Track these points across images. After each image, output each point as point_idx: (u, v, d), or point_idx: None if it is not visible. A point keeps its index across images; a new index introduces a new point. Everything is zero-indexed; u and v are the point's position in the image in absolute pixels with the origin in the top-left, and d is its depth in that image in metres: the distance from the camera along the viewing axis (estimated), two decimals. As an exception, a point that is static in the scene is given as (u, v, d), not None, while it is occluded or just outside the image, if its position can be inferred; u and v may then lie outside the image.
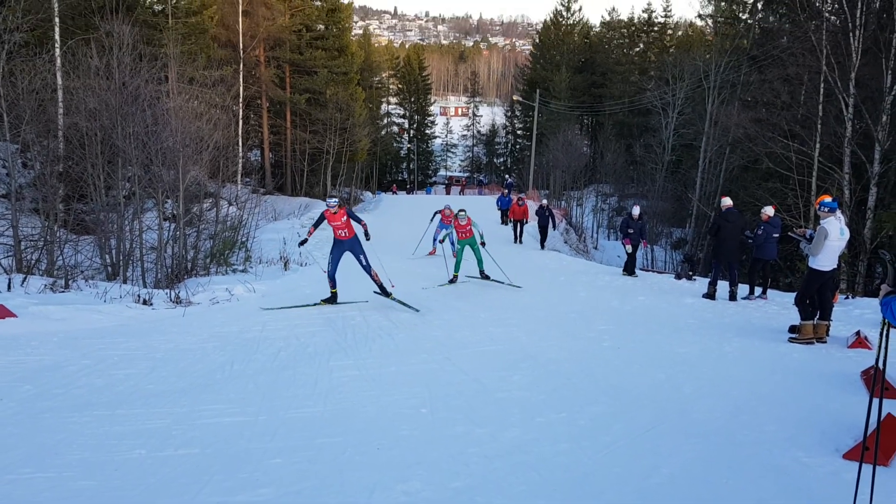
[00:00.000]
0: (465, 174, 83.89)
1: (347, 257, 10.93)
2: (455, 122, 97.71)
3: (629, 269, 15.72)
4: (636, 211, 15.77)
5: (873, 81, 20.50)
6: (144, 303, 10.66)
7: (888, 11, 20.83)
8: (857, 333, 8.49)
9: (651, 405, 6.07)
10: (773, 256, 12.61)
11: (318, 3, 38.75)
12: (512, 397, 6.30)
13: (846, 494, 3.91)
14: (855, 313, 10.52)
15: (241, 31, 32.10)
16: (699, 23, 49.93)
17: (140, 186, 15.09)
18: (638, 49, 60.03)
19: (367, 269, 10.91)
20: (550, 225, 22.30)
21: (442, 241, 15.44)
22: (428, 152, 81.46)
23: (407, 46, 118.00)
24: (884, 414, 4.32)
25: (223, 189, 20.73)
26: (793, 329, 9.02)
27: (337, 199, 10.89)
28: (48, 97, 15.07)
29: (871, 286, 19.21)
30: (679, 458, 4.87)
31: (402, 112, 78.50)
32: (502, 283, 13.46)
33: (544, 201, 23.80)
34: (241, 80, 31.22)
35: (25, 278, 10.82)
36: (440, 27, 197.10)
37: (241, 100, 30.91)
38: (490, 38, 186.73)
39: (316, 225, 11.17)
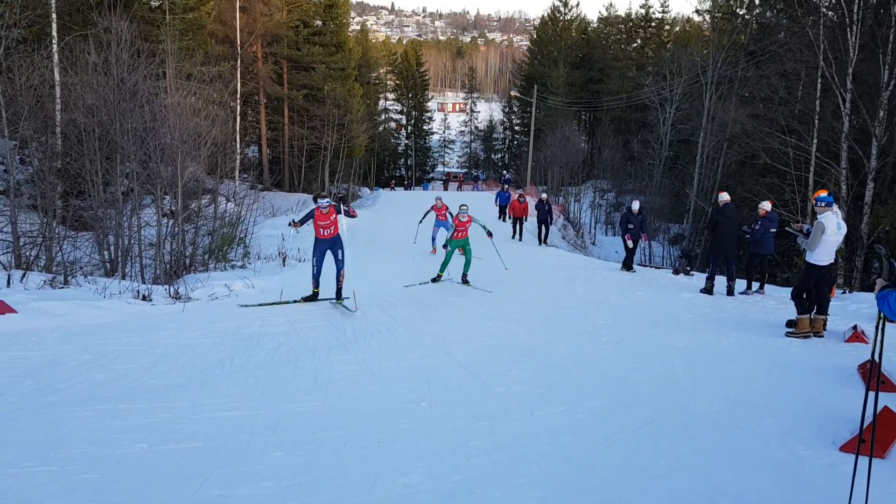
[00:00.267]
0: (463, 170, 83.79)
1: (329, 256, 10.80)
2: (453, 118, 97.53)
3: (628, 264, 15.75)
4: (636, 205, 15.77)
5: (870, 77, 20.54)
6: (144, 299, 10.68)
7: (885, 7, 20.84)
8: (854, 328, 8.53)
9: (650, 399, 6.10)
10: (771, 251, 12.63)
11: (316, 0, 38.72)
12: (511, 391, 6.34)
13: (843, 486, 3.94)
14: (852, 308, 10.56)
15: (238, 27, 32.08)
16: (696, 18, 50.10)
17: (138, 183, 15.08)
18: (635, 45, 59.96)
19: (340, 265, 10.72)
20: (549, 220, 22.22)
21: (445, 246, 15.14)
22: (426, 148, 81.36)
23: (404, 42, 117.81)
24: (880, 407, 4.36)
25: (221, 185, 20.71)
26: (790, 323, 9.05)
27: (329, 200, 10.68)
28: (46, 93, 15.06)
29: (868, 281, 19.27)
30: (678, 452, 4.90)
31: (399, 108, 78.39)
32: (479, 289, 12.64)
33: (544, 195, 23.41)
34: (238, 76, 31.20)
35: (25, 274, 10.83)
36: (437, 23, 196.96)
37: (238, 96, 30.89)
38: (487, 34, 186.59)
39: (303, 221, 10.92)
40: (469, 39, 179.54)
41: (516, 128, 71.35)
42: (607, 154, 45.54)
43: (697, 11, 43.37)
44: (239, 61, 31.73)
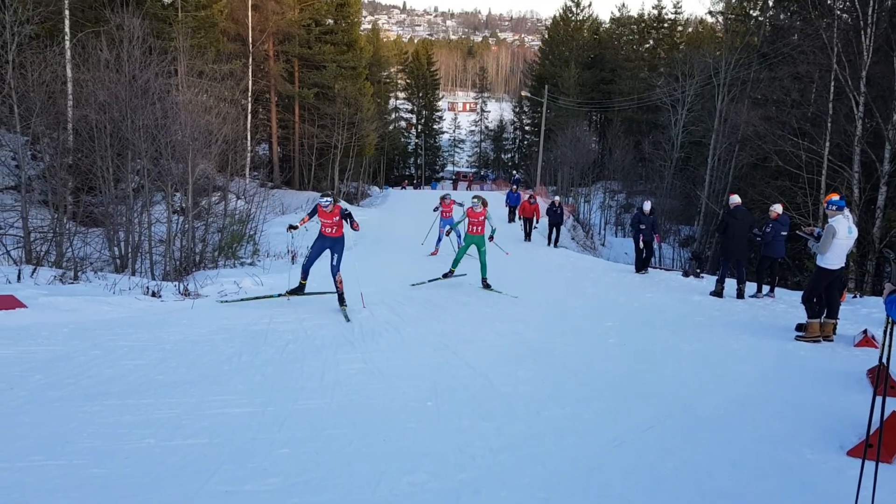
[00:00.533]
0: (473, 170, 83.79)
1: (326, 256, 10.47)
2: (463, 117, 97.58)
3: (638, 265, 15.63)
4: (647, 206, 15.70)
5: (884, 80, 20.39)
6: (153, 295, 10.72)
7: (900, 10, 20.72)
8: (865, 332, 8.48)
9: (656, 401, 6.09)
10: (782, 254, 12.59)
11: (328, -2, 38.80)
12: (517, 392, 6.34)
13: (849, 491, 3.93)
14: (862, 312, 10.51)
15: (250, 25, 32.16)
16: (709, 19, 49.89)
17: (149, 179, 15.15)
18: (648, 45, 59.75)
19: (335, 270, 10.22)
20: (560, 222, 22.05)
21: (448, 234, 14.90)
22: (435, 147, 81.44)
23: (415, 41, 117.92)
24: (888, 412, 4.34)
25: (231, 183, 20.79)
26: (799, 327, 9.02)
27: (331, 199, 10.24)
28: (58, 89, 15.13)
29: (879, 285, 19.14)
30: (684, 453, 4.89)
31: (410, 107, 78.48)
32: (501, 293, 12.10)
33: (557, 198, 23.17)
34: (249, 74, 31.29)
35: (35, 270, 10.89)
36: (449, 22, 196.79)
37: (249, 94, 30.99)
38: (499, 34, 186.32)
39: (310, 215, 10.66)
40: (480, 39, 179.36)
41: (527, 128, 71.27)
42: (618, 155, 45.41)
43: (710, 13, 43.31)
44: (250, 59, 31.82)
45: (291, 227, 10.71)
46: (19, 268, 10.78)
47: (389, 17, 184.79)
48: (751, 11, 39.70)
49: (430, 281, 12.76)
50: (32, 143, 15.34)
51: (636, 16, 61.32)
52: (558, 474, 4.57)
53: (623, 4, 76.27)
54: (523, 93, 64.90)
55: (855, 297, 12.61)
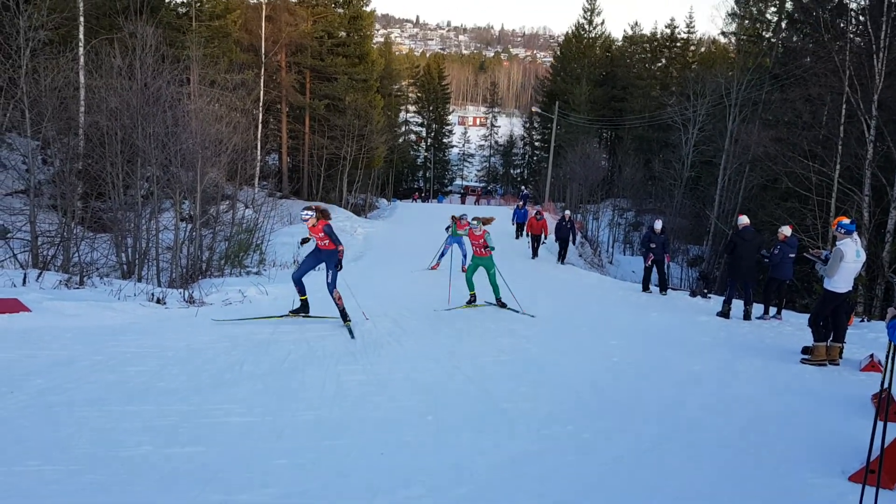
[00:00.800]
0: (482, 184, 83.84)
1: (321, 270, 10.07)
2: (473, 131, 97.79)
3: (661, 285, 15.45)
4: (658, 225, 15.58)
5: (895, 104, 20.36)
6: (158, 301, 10.73)
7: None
8: (871, 357, 8.41)
9: (658, 421, 6.04)
10: (790, 277, 12.52)
11: (341, 11, 39.06)
12: (518, 408, 6.29)
13: (851, 517, 3.88)
14: (869, 336, 10.40)
15: (263, 35, 32.40)
16: (722, 40, 49.77)
17: (158, 186, 15.22)
18: (660, 64, 59.71)
19: (331, 287, 9.65)
20: (570, 239, 21.88)
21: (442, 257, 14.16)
22: (444, 161, 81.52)
23: (427, 55, 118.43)
24: (890, 437, 4.28)
25: (240, 191, 20.87)
26: (806, 350, 8.95)
27: (312, 213, 9.63)
28: (70, 95, 15.24)
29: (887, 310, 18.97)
30: (684, 476, 4.84)
31: (420, 120, 78.67)
32: (517, 311, 11.62)
33: (567, 212, 22.97)
34: (261, 84, 31.49)
35: (41, 274, 10.92)
36: (461, 37, 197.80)
37: (261, 104, 31.16)
38: (511, 49, 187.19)
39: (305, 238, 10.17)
40: (492, 54, 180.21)
41: (536, 143, 71.30)
42: (628, 173, 45.33)
43: (723, 33, 43.08)
44: (263, 70, 32.02)
45: (305, 241, 10.24)
46: (25, 271, 10.82)
47: (402, 31, 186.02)
48: (763, 33, 39.77)
49: (449, 309, 11.70)
50: (43, 148, 15.45)
51: (649, 34, 61.34)
52: (556, 492, 4.52)
53: (636, 23, 76.21)
54: (534, 108, 64.95)
55: (862, 321, 12.50)
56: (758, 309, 12.56)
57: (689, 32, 58.92)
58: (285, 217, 24.97)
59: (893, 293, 19.21)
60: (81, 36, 17.90)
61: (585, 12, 60.62)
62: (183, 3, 28.66)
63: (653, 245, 15.26)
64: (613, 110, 56.18)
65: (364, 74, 38.89)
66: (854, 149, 21.40)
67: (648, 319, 12.02)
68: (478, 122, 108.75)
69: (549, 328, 10.63)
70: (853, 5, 23.84)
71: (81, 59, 17.10)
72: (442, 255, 17.08)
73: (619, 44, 63.84)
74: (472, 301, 12.16)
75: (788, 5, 36.09)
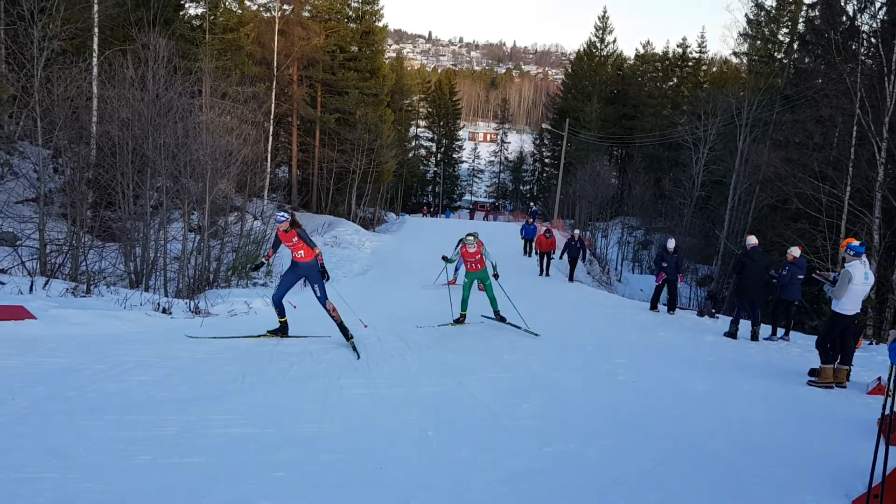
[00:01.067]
0: (491, 200, 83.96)
1: (305, 287, 9.70)
2: (483, 147, 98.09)
3: (670, 304, 15.37)
4: (671, 244, 15.51)
5: (907, 127, 20.29)
6: (164, 311, 10.76)
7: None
8: (879, 380, 8.32)
9: (662, 441, 5.97)
10: (798, 298, 12.45)
11: (354, 26, 39.33)
12: (520, 425, 6.24)
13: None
14: (878, 359, 10.30)
15: (276, 49, 32.63)
16: (734, 60, 49.78)
17: (168, 197, 15.30)
18: (671, 83, 59.82)
19: (322, 300, 9.24)
20: (580, 257, 21.74)
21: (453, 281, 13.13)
22: (454, 176, 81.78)
23: (439, 71, 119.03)
24: (893, 461, 4.22)
25: (249, 203, 20.95)
26: (812, 372, 8.87)
27: (287, 215, 9.10)
28: (82, 105, 15.38)
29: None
30: (686, 496, 4.78)
31: (430, 135, 78.99)
32: (519, 328, 11.30)
33: (577, 231, 22.87)
34: (273, 97, 31.68)
35: (48, 281, 10.96)
36: (473, 53, 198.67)
37: (272, 116, 31.34)
38: (523, 66, 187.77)
39: (274, 247, 9.66)
40: (504, 71, 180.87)
41: (546, 160, 71.35)
42: (638, 191, 45.34)
43: (735, 53, 43.03)
44: (274, 83, 32.22)
45: (257, 267, 9.98)
46: (32, 279, 10.86)
47: (415, 47, 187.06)
48: (775, 53, 39.77)
49: (439, 326, 11.62)
50: (54, 157, 15.56)
51: (660, 53, 61.52)
52: (556, 512, 4.47)
53: (648, 42, 76.40)
54: (544, 125, 65.08)
55: (871, 343, 12.40)
56: (765, 330, 12.49)
57: (700, 52, 59.00)
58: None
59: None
60: (96, 47, 18.07)
61: (597, 30, 60.91)
62: (197, 15, 28.93)
63: (664, 264, 15.20)
64: (624, 128, 56.24)
65: (375, 89, 39.09)
66: (865, 171, 21.32)
67: (655, 338, 11.96)
68: (488, 137, 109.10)
69: (554, 345, 10.57)
70: (865, 27, 23.86)
71: (95, 70, 17.25)
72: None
73: (631, 62, 64.00)
74: (460, 321, 11.71)
75: (800, 26, 36.14)
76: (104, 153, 15.31)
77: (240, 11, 32.72)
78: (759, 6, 39.85)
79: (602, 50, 61.15)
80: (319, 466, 4.98)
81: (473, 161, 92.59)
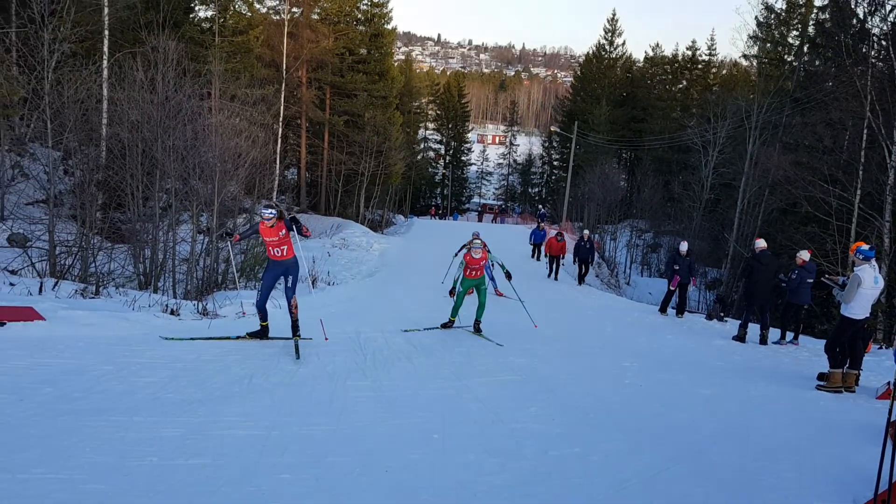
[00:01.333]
0: (499, 202, 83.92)
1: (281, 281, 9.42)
2: (492, 150, 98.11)
3: (679, 308, 15.32)
4: (684, 247, 15.40)
5: (918, 130, 20.17)
6: (172, 313, 10.78)
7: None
8: (888, 384, 8.28)
9: (668, 445, 5.95)
10: (808, 302, 12.39)
11: (363, 28, 39.39)
12: (526, 429, 6.23)
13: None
14: (887, 364, 10.26)
15: (285, 51, 32.72)
16: (743, 63, 49.61)
17: (177, 199, 15.35)
18: (680, 86, 59.60)
19: (290, 292, 9.14)
20: (590, 259, 21.49)
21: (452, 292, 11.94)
22: (463, 179, 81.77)
23: (448, 73, 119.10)
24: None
25: (258, 205, 20.99)
26: (821, 376, 8.83)
27: (274, 211, 8.79)
28: (92, 107, 15.45)
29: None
30: (693, 501, 4.76)
31: (439, 138, 79.04)
32: (490, 340, 10.65)
33: (586, 232, 22.40)
34: (282, 99, 31.76)
35: (57, 283, 11.01)
36: (482, 56, 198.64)
37: (281, 119, 31.42)
38: (532, 69, 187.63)
39: (244, 235, 9.79)
40: (513, 73, 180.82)
41: (555, 163, 71.22)
42: (646, 194, 45.21)
43: (745, 56, 42.82)
44: (283, 85, 32.31)
45: (227, 234, 9.94)
46: (42, 280, 10.91)
47: (424, 49, 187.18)
48: (785, 56, 39.63)
49: (425, 329, 11.27)
50: (64, 159, 15.64)
51: (670, 56, 61.27)
52: (561, 516, 4.46)
53: (657, 44, 75.98)
54: (553, 128, 65.01)
55: (881, 348, 12.33)
56: (774, 334, 12.43)
57: (710, 55, 58.78)
58: (302, 231, 25.04)
59: None
60: (106, 49, 18.16)
61: (606, 33, 60.88)
62: (206, 18, 29.04)
63: (676, 267, 15.12)
64: (633, 131, 56.11)
65: (384, 91, 39.15)
66: (875, 174, 21.19)
67: (663, 342, 11.93)
68: (497, 140, 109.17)
69: (562, 348, 10.56)
70: (875, 30, 23.72)
71: (105, 73, 17.34)
72: (492, 278, 16.30)
73: (640, 65, 63.85)
74: (447, 325, 11.42)
75: (810, 29, 35.98)
76: (114, 155, 15.37)
77: (249, 14, 32.82)
78: (769, 9, 39.75)
79: (611, 52, 61.08)
80: (325, 469, 4.98)
81: (482, 163, 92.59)
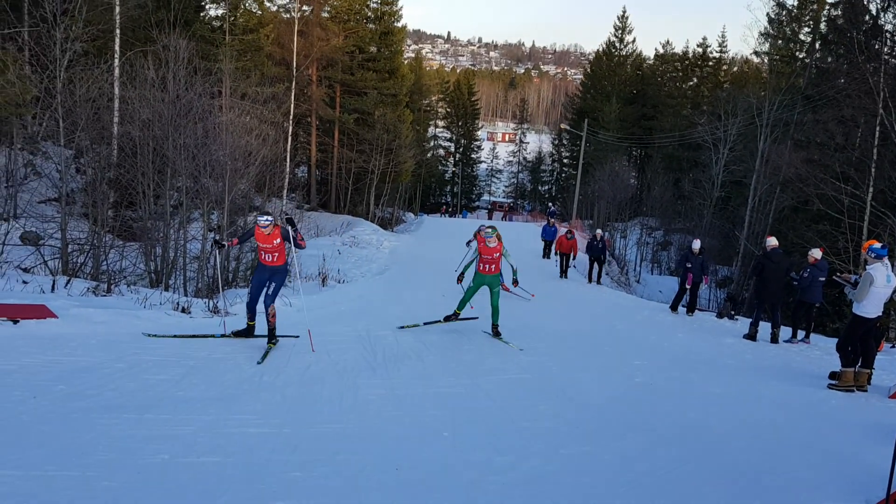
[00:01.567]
0: (509, 200, 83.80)
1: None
2: (501, 147, 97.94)
3: (690, 308, 15.26)
4: (697, 245, 15.29)
5: (931, 126, 20.03)
6: (183, 311, 10.84)
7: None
8: (901, 383, 8.23)
9: (679, 444, 5.94)
10: (819, 300, 12.31)
11: (373, 27, 39.39)
12: (536, 427, 6.23)
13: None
14: (900, 363, 10.19)
15: (295, 50, 32.76)
16: (754, 60, 49.35)
17: (187, 197, 15.40)
18: (691, 83, 59.30)
19: (271, 299, 8.89)
20: (602, 258, 21.16)
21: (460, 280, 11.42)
22: (472, 176, 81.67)
23: (458, 71, 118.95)
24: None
25: (269, 203, 21.05)
26: (833, 375, 8.78)
27: (270, 218, 8.74)
28: (104, 106, 15.52)
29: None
30: (704, 500, 4.75)
31: (449, 135, 78.97)
32: (508, 344, 10.14)
33: (599, 231, 22.07)
34: (292, 97, 31.80)
35: (69, 280, 11.08)
36: (492, 53, 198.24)
37: (291, 117, 31.47)
38: (542, 66, 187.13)
39: (242, 239, 9.74)
40: (523, 71, 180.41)
41: (565, 160, 71.02)
42: (657, 191, 45.04)
43: (756, 53, 42.54)
44: (294, 83, 32.35)
45: (217, 243, 9.89)
46: (54, 278, 10.98)
47: (434, 47, 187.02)
48: (797, 53, 39.37)
49: (425, 324, 10.99)
50: (76, 157, 15.72)
51: (680, 53, 60.94)
52: (571, 514, 4.45)
53: (668, 41, 75.50)
54: (563, 126, 64.81)
55: (893, 346, 12.24)
56: (786, 332, 12.36)
57: (721, 52, 58.43)
58: (312, 229, 25.14)
59: None
60: (117, 48, 18.24)
61: (617, 30, 60.61)
62: (217, 17, 29.12)
63: (689, 265, 15.04)
64: (643, 128, 55.86)
65: (394, 89, 39.14)
66: (888, 171, 21.04)
67: (674, 340, 11.89)
68: (506, 138, 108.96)
69: (572, 346, 10.54)
70: (888, 27, 23.55)
71: (116, 71, 17.41)
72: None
73: (650, 62, 63.53)
74: (452, 318, 10.94)
75: (822, 26, 35.73)
76: (125, 153, 15.44)
77: (259, 12, 32.91)
78: (781, 5, 39.48)
79: (621, 50, 60.83)
80: (335, 466, 5.00)
81: (492, 161, 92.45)
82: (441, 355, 9.19)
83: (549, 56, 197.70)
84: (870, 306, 8.21)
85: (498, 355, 9.46)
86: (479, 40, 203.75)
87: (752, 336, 12.20)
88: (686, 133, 45.94)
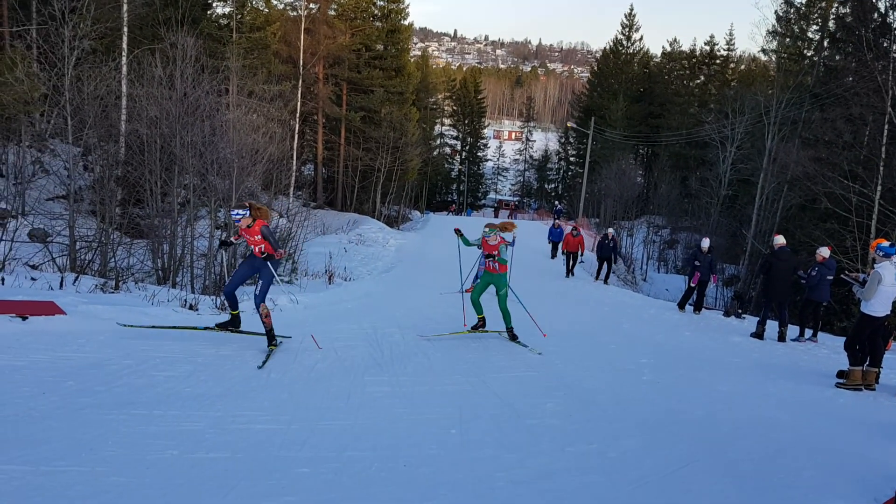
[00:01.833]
0: (515, 198, 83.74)
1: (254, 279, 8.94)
2: (508, 145, 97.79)
3: (696, 307, 15.22)
4: (705, 244, 15.23)
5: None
6: (190, 308, 10.87)
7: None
8: (909, 382, 8.20)
9: (686, 442, 5.93)
10: (827, 299, 12.27)
11: (379, 24, 39.44)
12: (543, 424, 6.23)
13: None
14: (908, 362, 10.14)
15: (302, 48, 32.83)
16: (762, 58, 49.12)
17: (195, 194, 15.44)
18: (698, 81, 59.11)
19: (259, 300, 8.40)
20: (613, 258, 20.77)
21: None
22: (479, 175, 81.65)
23: (464, 69, 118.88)
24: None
25: (275, 201, 21.09)
26: (841, 374, 8.76)
27: (243, 213, 8.28)
28: (112, 103, 15.58)
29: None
30: (710, 498, 4.74)
31: (455, 133, 78.94)
32: (526, 347, 9.81)
33: (610, 230, 21.39)
34: (299, 95, 31.86)
35: (77, 277, 11.14)
36: (499, 51, 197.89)
37: (298, 115, 31.52)
38: (548, 64, 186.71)
39: (238, 233, 8.86)
40: (529, 69, 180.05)
41: (571, 159, 70.94)
42: (664, 190, 44.91)
43: (764, 51, 42.37)
44: (301, 81, 32.40)
45: (224, 244, 9.67)
46: (63, 275, 11.04)
47: (440, 45, 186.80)
48: (805, 51, 39.22)
49: (451, 334, 10.40)
50: (84, 155, 15.78)
51: (688, 51, 60.74)
52: (579, 512, 4.46)
53: (675, 39, 75.46)
54: (570, 124, 64.62)
55: (902, 345, 12.18)
56: (793, 331, 12.33)
57: (728, 50, 58.26)
58: (319, 227, 25.17)
59: None
60: (125, 46, 18.29)
61: (624, 28, 60.56)
62: (224, 15, 29.20)
63: (697, 263, 15.00)
64: (650, 127, 55.72)
65: (400, 87, 39.19)
66: (896, 170, 20.98)
67: (681, 339, 11.87)
68: (513, 136, 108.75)
69: (579, 344, 10.53)
70: (897, 24, 23.44)
71: (124, 69, 17.46)
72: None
73: (657, 60, 63.41)
74: (480, 326, 10.40)
75: (831, 24, 35.59)
76: (133, 151, 15.48)
77: (266, 10, 33.00)
78: (789, 3, 39.28)
79: (628, 48, 60.71)
80: (343, 463, 5.01)
81: (498, 159, 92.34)
82: (448, 353, 9.20)
83: (556, 54, 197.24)
84: (878, 305, 8.19)
85: (504, 353, 9.46)
86: (486, 38, 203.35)
87: (759, 334, 12.17)
88: (693, 131, 45.81)
